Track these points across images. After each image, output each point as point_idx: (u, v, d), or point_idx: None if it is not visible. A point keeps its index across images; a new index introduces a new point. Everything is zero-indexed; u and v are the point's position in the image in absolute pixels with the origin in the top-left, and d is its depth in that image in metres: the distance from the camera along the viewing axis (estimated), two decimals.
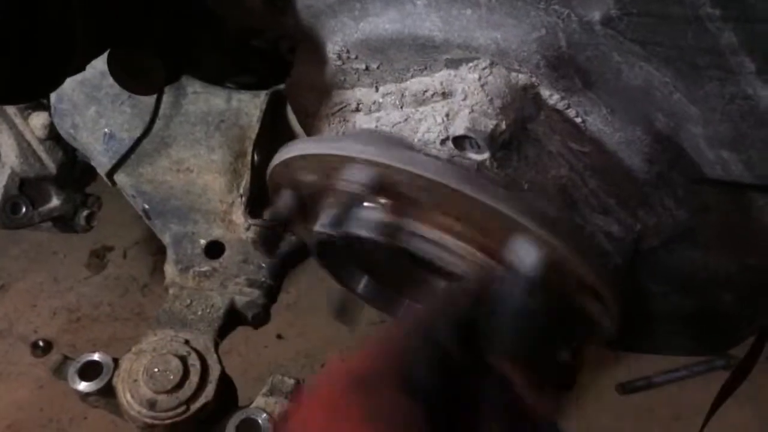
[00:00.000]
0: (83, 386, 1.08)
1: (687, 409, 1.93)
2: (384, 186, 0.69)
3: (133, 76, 0.92)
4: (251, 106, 1.27)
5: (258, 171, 1.25)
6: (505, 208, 0.66)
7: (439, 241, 0.70)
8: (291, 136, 1.23)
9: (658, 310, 0.92)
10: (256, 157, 1.27)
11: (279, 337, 2.15)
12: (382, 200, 0.71)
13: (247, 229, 1.24)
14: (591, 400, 2.00)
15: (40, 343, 2.13)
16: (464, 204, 0.67)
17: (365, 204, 0.72)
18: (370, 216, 0.71)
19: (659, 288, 0.90)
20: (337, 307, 0.92)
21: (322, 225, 0.73)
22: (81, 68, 0.80)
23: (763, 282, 0.85)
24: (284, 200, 0.79)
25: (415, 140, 0.74)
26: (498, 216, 0.67)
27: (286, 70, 0.94)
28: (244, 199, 1.24)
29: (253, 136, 1.26)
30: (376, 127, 0.77)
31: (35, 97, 1.22)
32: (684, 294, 0.90)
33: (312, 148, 0.75)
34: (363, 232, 0.71)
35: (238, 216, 1.25)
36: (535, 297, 0.63)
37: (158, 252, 1.86)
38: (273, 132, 1.28)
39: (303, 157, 0.75)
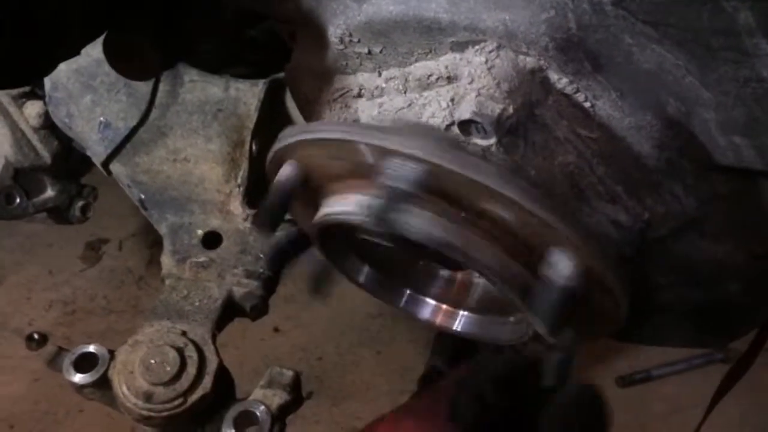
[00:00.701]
0: (78, 378, 1.06)
1: (686, 401, 1.93)
2: (433, 186, 0.66)
3: (128, 61, 0.90)
4: (249, 94, 1.26)
5: (256, 160, 1.23)
6: (551, 218, 0.64)
7: (478, 246, 0.69)
8: (289, 125, 1.22)
9: (664, 300, 0.91)
10: (254, 147, 1.25)
11: (276, 330, 2.14)
12: (437, 203, 0.68)
13: (245, 219, 1.22)
14: None
15: (35, 336, 2.11)
16: (508, 210, 0.66)
17: (413, 203, 0.68)
18: (425, 217, 0.68)
19: (666, 278, 0.89)
20: (313, 281, 0.90)
21: (353, 214, 0.70)
22: (76, 52, 0.78)
23: None
24: (287, 172, 0.75)
25: None
26: (539, 224, 0.65)
27: (284, 59, 0.92)
28: (241, 189, 1.23)
29: (251, 125, 1.25)
30: (378, 113, 0.75)
31: (28, 82, 1.20)
32: (690, 284, 0.89)
33: (346, 133, 0.69)
34: (417, 234, 0.68)
35: (236, 206, 1.23)
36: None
37: (154, 244, 1.84)
38: (271, 121, 1.26)
39: (324, 140, 0.72)
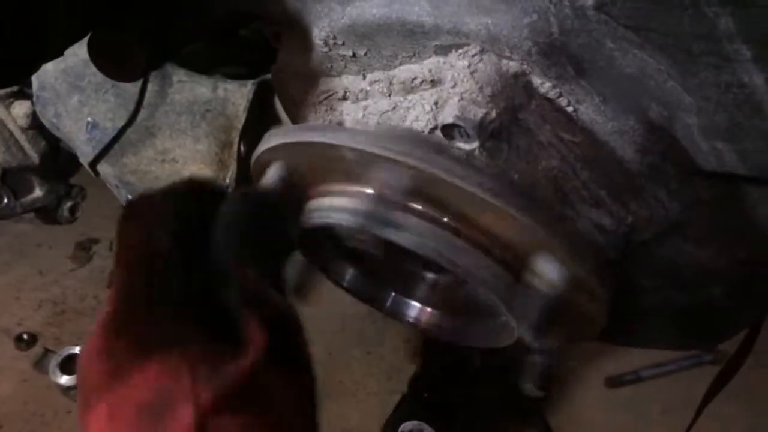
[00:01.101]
0: (65, 380, 1.06)
1: (675, 402, 1.92)
2: (417, 191, 0.66)
3: (114, 62, 0.89)
4: (238, 95, 1.25)
5: (245, 161, 1.23)
6: (535, 224, 0.64)
7: (462, 251, 0.68)
8: (278, 126, 1.21)
9: (648, 303, 0.91)
10: (242, 148, 1.25)
11: None
12: (422, 207, 0.68)
13: None
14: (578, 393, 2.00)
15: (24, 337, 2.09)
16: (492, 215, 0.66)
17: (396, 208, 0.68)
18: (409, 222, 0.68)
19: (650, 281, 0.89)
20: (295, 283, 0.89)
21: (337, 217, 0.70)
22: (59, 53, 0.77)
23: (753, 276, 0.84)
24: (273, 175, 0.75)
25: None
26: (524, 229, 0.65)
27: (274, 58, 0.91)
28: (230, 190, 1.22)
29: (240, 126, 1.24)
30: (363, 116, 0.75)
31: (9, 84, 1.19)
32: (674, 288, 0.89)
33: (329, 137, 0.69)
34: (400, 239, 0.68)
35: None
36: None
37: None
38: (260, 122, 1.26)
39: (307, 143, 0.71)
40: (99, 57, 0.88)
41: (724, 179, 0.72)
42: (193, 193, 0.60)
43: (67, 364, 1.07)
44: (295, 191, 0.74)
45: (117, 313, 0.54)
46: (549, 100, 0.69)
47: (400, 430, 1.57)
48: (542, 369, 0.75)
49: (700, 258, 0.83)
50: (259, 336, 0.52)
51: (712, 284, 0.86)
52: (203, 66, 1.28)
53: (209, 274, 0.55)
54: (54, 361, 1.07)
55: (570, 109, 0.70)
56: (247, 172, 1.20)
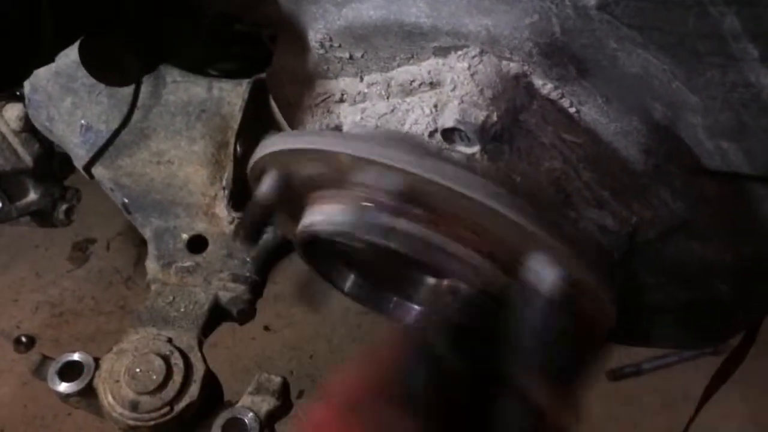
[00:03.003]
0: (63, 387, 1.05)
1: (677, 394, 1.93)
2: (413, 196, 0.65)
3: (106, 67, 0.88)
4: (233, 95, 1.24)
5: (241, 162, 1.21)
6: (530, 225, 0.63)
7: (458, 254, 0.67)
8: (274, 126, 1.20)
9: (653, 301, 0.90)
10: (238, 148, 1.23)
11: (266, 328, 2.12)
12: (417, 212, 0.66)
13: (231, 222, 1.21)
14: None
15: (23, 339, 2.09)
16: (486, 217, 0.64)
17: (392, 213, 0.67)
18: (405, 228, 0.67)
19: (655, 280, 0.88)
20: (302, 289, 0.88)
21: (333, 224, 0.70)
22: (50, 60, 0.76)
23: (758, 272, 0.84)
24: (268, 185, 0.74)
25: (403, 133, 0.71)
26: (518, 231, 0.64)
27: (270, 56, 0.90)
28: (227, 191, 1.21)
29: (236, 126, 1.23)
30: (361, 118, 0.74)
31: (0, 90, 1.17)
32: (679, 285, 0.88)
33: (323, 143, 0.68)
34: (398, 245, 0.67)
35: (222, 209, 1.21)
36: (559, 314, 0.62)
37: (142, 243, 1.83)
38: (256, 122, 1.24)
39: (305, 150, 0.70)
40: (90, 62, 0.87)
41: (729, 177, 0.71)
42: None
43: (66, 371, 1.06)
44: (294, 198, 0.73)
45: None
46: (551, 101, 0.68)
47: None
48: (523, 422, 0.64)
49: (705, 255, 0.82)
50: None
51: (717, 281, 0.86)
52: (197, 63, 1.26)
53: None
54: (52, 369, 1.05)
55: (572, 110, 0.68)
56: (244, 173, 1.19)
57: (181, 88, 1.24)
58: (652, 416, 1.96)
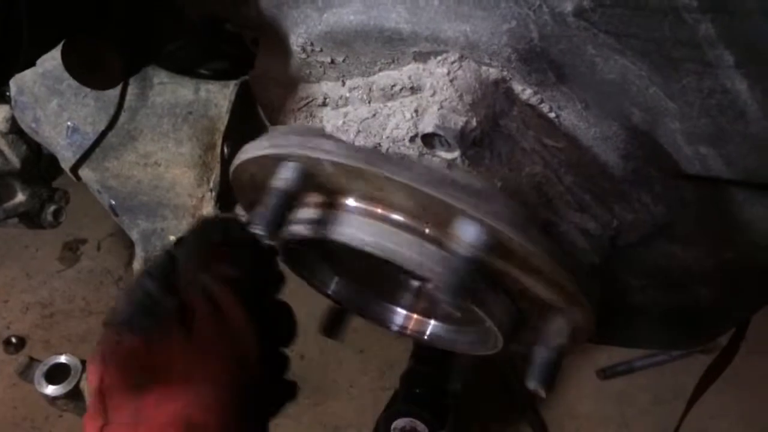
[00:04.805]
0: (50, 390, 1.05)
1: (667, 392, 1.94)
2: (310, 181, 0.70)
3: (89, 70, 0.88)
4: (220, 96, 1.23)
5: (228, 164, 1.21)
6: (446, 196, 0.66)
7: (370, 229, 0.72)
8: (262, 128, 1.20)
9: (636, 304, 0.91)
10: (226, 150, 1.23)
11: None
12: (313, 196, 0.73)
13: None
14: (571, 385, 2.01)
15: (13, 340, 2.08)
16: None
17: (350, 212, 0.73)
18: (301, 215, 0.73)
19: (637, 282, 0.89)
20: (327, 325, 0.91)
21: (258, 228, 0.72)
22: (30, 64, 0.75)
23: (739, 276, 0.84)
24: (287, 175, 0.76)
25: (384, 137, 0.71)
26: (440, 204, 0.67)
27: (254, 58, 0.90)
28: (214, 193, 1.21)
29: (223, 127, 1.22)
30: (343, 123, 0.74)
31: None
32: (662, 288, 0.88)
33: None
34: (298, 231, 0.73)
35: (209, 211, 1.21)
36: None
37: (133, 244, 1.83)
38: (243, 123, 1.24)
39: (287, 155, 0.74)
40: (74, 65, 0.86)
41: (708, 182, 0.71)
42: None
43: (53, 374, 1.06)
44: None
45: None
46: (531, 106, 0.68)
47: (392, 426, 1.56)
48: (550, 366, 0.74)
49: (687, 259, 0.83)
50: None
51: (700, 284, 0.86)
52: (184, 64, 1.26)
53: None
54: (39, 371, 1.06)
55: (552, 115, 0.68)
56: None
57: (168, 90, 1.24)
58: (643, 414, 1.97)
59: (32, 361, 1.08)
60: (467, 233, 0.66)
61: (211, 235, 0.75)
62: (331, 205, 0.73)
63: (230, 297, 0.70)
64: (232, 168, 0.82)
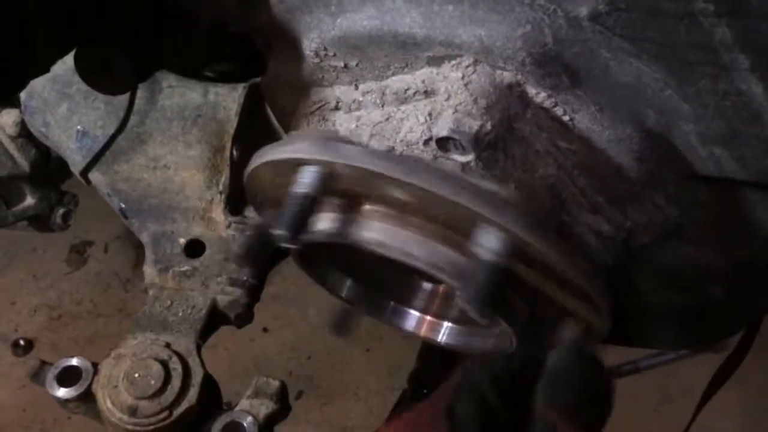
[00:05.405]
0: (62, 392, 1.05)
1: (675, 392, 1.94)
2: (330, 186, 0.70)
3: (101, 75, 0.88)
4: (229, 99, 1.24)
5: (238, 166, 1.22)
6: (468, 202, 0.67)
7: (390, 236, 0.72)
8: (271, 131, 1.20)
9: (648, 305, 0.91)
10: (235, 152, 1.23)
11: (265, 330, 2.12)
12: (334, 200, 0.72)
13: (228, 226, 1.21)
14: None
15: (21, 342, 2.09)
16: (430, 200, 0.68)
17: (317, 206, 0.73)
18: (322, 219, 0.72)
19: (650, 283, 0.89)
20: (336, 323, 0.92)
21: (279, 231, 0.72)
22: (45, 70, 0.76)
23: (751, 276, 0.84)
24: (309, 178, 0.76)
25: (398, 140, 0.71)
26: (462, 211, 0.67)
27: (265, 62, 0.90)
28: (223, 195, 1.21)
29: (232, 130, 1.23)
30: (357, 126, 0.74)
31: None
32: (674, 288, 0.89)
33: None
34: (315, 237, 0.72)
35: (219, 213, 1.22)
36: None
37: (140, 246, 1.84)
38: (252, 126, 1.25)
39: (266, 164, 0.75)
40: (86, 71, 0.87)
41: (722, 183, 0.72)
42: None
43: (65, 376, 1.06)
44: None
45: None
46: (544, 109, 0.69)
47: None
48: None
49: (699, 259, 0.83)
50: None
51: (712, 285, 0.86)
52: (193, 66, 1.26)
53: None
54: (51, 374, 1.06)
55: (566, 118, 0.69)
56: (241, 177, 1.19)
57: (176, 93, 1.24)
58: (650, 413, 1.97)
59: (44, 364, 1.08)
60: (489, 240, 0.67)
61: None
62: (351, 209, 0.73)
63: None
64: (247, 171, 0.82)
